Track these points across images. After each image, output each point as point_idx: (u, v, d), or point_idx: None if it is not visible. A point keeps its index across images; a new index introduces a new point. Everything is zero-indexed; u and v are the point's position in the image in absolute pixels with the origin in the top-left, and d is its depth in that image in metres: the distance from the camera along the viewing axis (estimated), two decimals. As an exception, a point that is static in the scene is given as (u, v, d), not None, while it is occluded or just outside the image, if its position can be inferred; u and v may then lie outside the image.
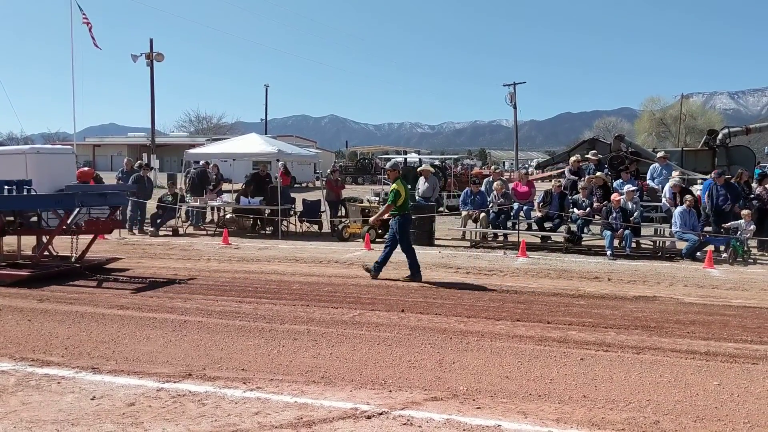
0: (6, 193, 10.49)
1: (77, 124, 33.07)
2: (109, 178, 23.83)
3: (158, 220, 16.47)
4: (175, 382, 5.06)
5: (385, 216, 10.57)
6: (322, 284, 9.60)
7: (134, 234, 16.24)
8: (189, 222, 17.42)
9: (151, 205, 17.07)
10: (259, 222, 17.01)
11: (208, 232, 16.72)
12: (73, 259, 10.55)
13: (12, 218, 10.65)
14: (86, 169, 24.87)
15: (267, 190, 16.78)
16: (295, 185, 30.86)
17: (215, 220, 18.19)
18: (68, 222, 10.39)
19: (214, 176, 18.66)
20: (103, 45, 28.32)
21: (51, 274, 9.98)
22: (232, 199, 17.51)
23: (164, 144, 57.27)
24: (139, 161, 19.12)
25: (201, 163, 18.82)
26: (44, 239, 10.95)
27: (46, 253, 10.74)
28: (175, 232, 16.47)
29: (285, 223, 16.58)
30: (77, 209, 10.49)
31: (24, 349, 6.05)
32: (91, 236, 11.19)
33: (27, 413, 4.43)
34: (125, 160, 18.75)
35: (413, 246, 10.16)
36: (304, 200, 17.90)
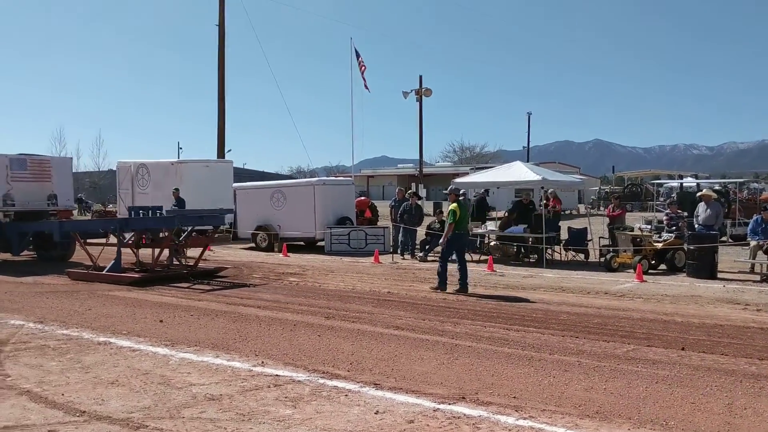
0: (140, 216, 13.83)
1: (354, 157, 36.22)
2: (382, 207, 25.68)
3: (426, 246, 17.31)
4: (449, 404, 5.26)
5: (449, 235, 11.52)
6: (591, 315, 9.28)
7: (406, 259, 17.25)
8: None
9: (421, 232, 18.00)
10: (523, 250, 16.99)
11: (473, 259, 17.11)
12: (179, 266, 14.16)
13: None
14: (362, 198, 27.12)
15: (531, 218, 16.73)
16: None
17: (479, 247, 18.55)
18: (178, 238, 13.98)
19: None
20: (377, 83, 30.81)
21: (158, 276, 12.94)
22: (495, 226, 17.74)
23: (430, 174, 60.10)
24: (409, 191, 20.29)
25: (482, 191, 19.44)
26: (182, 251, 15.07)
27: (175, 261, 14.29)
28: (442, 258, 17.14)
29: (549, 251, 16.35)
30: (187, 228, 14.09)
31: (315, 361, 6.75)
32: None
33: (320, 421, 4.92)
34: (397, 189, 20.04)
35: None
36: (569, 228, 17.47)
